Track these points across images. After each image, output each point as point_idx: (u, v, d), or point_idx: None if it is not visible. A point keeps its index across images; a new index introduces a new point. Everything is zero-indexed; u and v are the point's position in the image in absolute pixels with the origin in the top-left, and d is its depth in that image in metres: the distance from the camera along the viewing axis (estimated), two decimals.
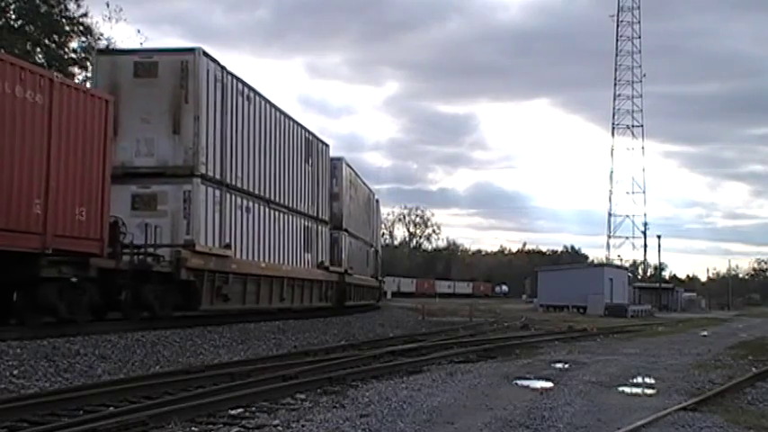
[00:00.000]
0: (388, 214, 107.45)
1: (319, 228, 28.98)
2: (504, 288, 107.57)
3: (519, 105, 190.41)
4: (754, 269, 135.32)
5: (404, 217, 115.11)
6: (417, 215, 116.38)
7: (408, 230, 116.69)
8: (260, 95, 22.96)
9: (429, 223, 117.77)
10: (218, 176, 19.84)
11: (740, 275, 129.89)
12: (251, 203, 22.10)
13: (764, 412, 9.86)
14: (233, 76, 20.87)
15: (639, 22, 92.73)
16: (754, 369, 14.78)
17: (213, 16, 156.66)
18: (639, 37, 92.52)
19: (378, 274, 45.94)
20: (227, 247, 20.11)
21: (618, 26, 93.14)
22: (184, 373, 11.72)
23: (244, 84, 21.76)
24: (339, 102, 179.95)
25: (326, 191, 30.36)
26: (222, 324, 19.16)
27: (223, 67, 20.20)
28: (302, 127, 27.34)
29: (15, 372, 10.77)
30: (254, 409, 8.87)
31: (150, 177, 18.55)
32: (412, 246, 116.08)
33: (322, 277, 28.69)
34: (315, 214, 28.40)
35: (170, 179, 18.53)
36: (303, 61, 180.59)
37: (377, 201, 46.65)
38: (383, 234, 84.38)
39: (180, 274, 17.70)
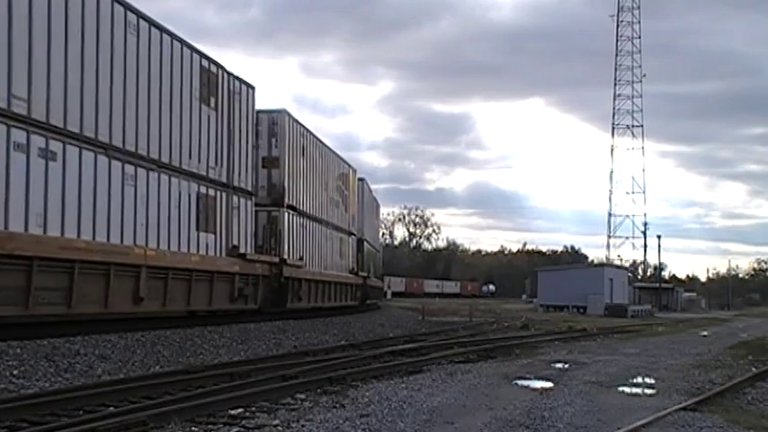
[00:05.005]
0: (388, 214, 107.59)
1: (237, 200, 21.56)
2: (491, 287, 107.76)
3: (514, 105, 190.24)
4: (754, 269, 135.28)
5: (404, 217, 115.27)
6: (417, 215, 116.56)
7: (408, 230, 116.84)
8: None
9: (429, 223, 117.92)
10: None
11: (740, 275, 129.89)
12: (58, 146, 14.08)
13: (764, 412, 9.87)
14: None
15: (639, 21, 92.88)
16: (754, 369, 14.79)
17: (205, 15, 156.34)
18: (639, 37, 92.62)
19: (361, 270, 37.23)
20: None
21: (618, 26, 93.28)
22: (184, 373, 11.74)
23: None
24: (334, 101, 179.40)
25: (250, 150, 22.80)
26: (221, 324, 19.18)
27: None
28: (195, 51, 19.21)
29: (15, 372, 10.78)
30: (254, 409, 8.87)
31: None
32: (412, 246, 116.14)
33: (231, 269, 20.64)
34: (222, 179, 20.61)
35: None
36: (296, 61, 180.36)
37: (360, 180, 38.23)
38: (383, 234, 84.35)
39: None
